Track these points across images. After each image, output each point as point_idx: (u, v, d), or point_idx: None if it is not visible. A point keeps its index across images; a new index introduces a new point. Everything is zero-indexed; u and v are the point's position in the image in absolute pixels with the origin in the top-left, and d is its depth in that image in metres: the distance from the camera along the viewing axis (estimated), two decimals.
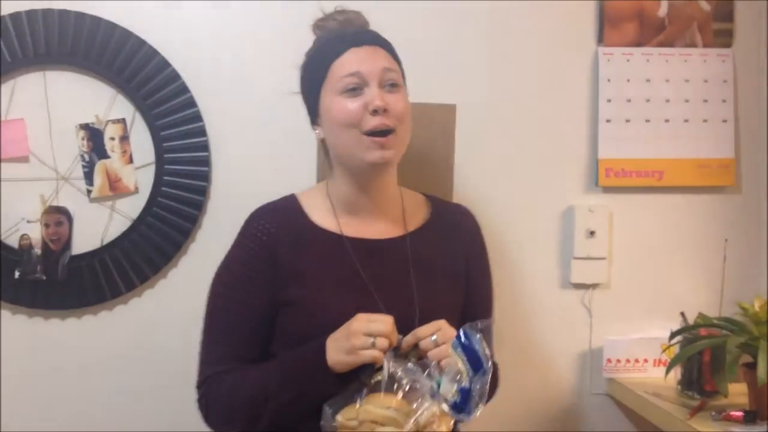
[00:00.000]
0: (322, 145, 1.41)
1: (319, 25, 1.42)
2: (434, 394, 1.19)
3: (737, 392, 1.61)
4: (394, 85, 1.34)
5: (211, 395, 1.34)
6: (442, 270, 1.39)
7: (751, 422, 1.54)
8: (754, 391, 1.57)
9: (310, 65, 1.39)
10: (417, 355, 1.24)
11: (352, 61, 1.32)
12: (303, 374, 1.25)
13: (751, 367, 1.52)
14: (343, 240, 1.34)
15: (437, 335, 1.24)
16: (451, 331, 1.24)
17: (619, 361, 1.85)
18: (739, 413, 1.55)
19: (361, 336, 1.21)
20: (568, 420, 1.88)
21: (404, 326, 1.26)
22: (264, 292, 1.32)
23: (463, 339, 1.19)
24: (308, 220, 1.37)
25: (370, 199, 1.37)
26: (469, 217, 1.52)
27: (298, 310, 1.30)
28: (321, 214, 1.38)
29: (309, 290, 1.30)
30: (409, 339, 1.25)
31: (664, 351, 1.76)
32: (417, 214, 1.44)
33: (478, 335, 1.20)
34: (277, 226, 1.35)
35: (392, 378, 1.19)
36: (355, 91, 1.31)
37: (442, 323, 1.26)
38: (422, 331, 1.25)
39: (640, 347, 1.84)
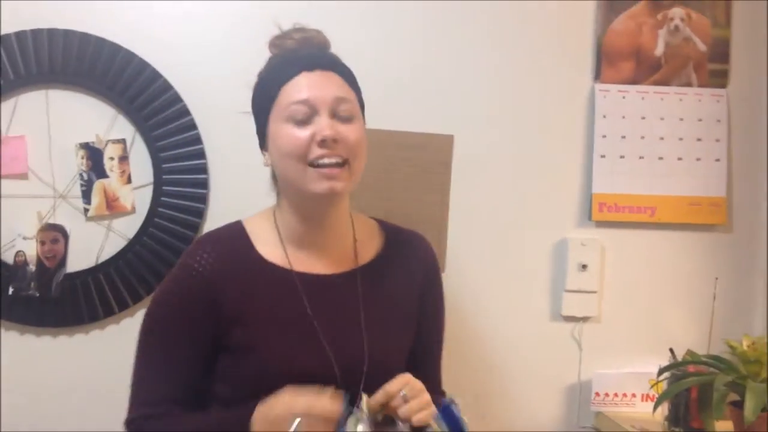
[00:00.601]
0: (271, 171, 1.32)
1: (275, 44, 1.32)
2: None
3: (724, 430, 1.62)
4: (347, 117, 1.24)
5: None
6: (394, 308, 1.30)
7: None
8: (740, 430, 1.58)
9: (259, 87, 1.31)
10: (384, 412, 1.16)
11: (302, 87, 1.23)
12: None
13: (738, 405, 1.53)
14: (292, 275, 1.25)
15: (406, 390, 1.16)
16: (418, 385, 1.18)
17: (607, 394, 1.86)
18: None
19: (287, 421, 1.10)
20: None
21: (352, 372, 1.20)
22: (203, 333, 1.22)
23: (446, 411, 1.16)
24: (255, 253, 1.27)
25: (319, 231, 1.28)
26: (424, 246, 1.41)
27: (242, 355, 1.21)
28: (268, 245, 1.28)
29: (254, 335, 1.21)
30: (379, 398, 1.16)
31: (652, 386, 1.77)
32: (369, 245, 1.34)
33: (458, 405, 1.17)
34: (219, 259, 1.24)
35: None
36: (303, 119, 1.22)
37: (408, 378, 1.18)
38: (391, 387, 1.16)
39: (628, 382, 1.85)
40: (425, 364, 1.35)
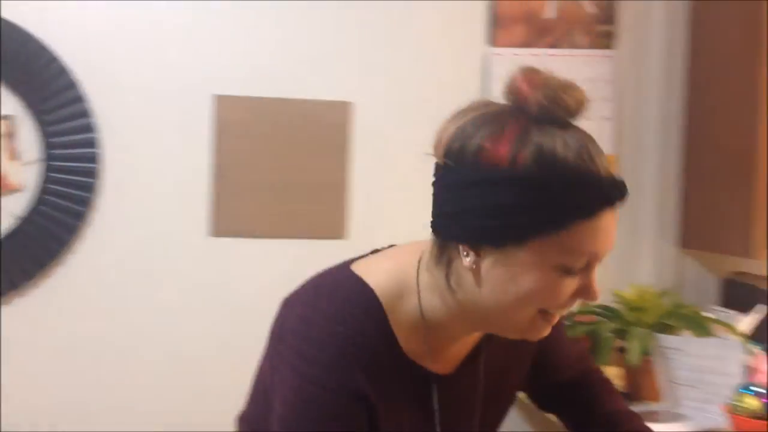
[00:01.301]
0: (447, 261, 0.96)
1: (530, 97, 0.87)
2: None
3: (617, 376, 1.70)
4: None
5: None
6: (515, 378, 1.14)
7: None
8: (628, 374, 1.66)
9: (517, 197, 0.88)
10: None
11: (598, 234, 0.90)
12: None
13: (624, 351, 1.61)
14: (430, 377, 1.05)
15: None
16: None
17: None
18: None
19: None
20: None
21: None
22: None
23: None
24: (400, 353, 1.03)
25: (476, 334, 1.07)
26: None
27: None
28: (411, 339, 1.04)
29: None
30: None
31: None
32: None
33: None
34: (372, 370, 1.00)
35: None
36: (577, 270, 0.92)
37: None
38: None
39: None
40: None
